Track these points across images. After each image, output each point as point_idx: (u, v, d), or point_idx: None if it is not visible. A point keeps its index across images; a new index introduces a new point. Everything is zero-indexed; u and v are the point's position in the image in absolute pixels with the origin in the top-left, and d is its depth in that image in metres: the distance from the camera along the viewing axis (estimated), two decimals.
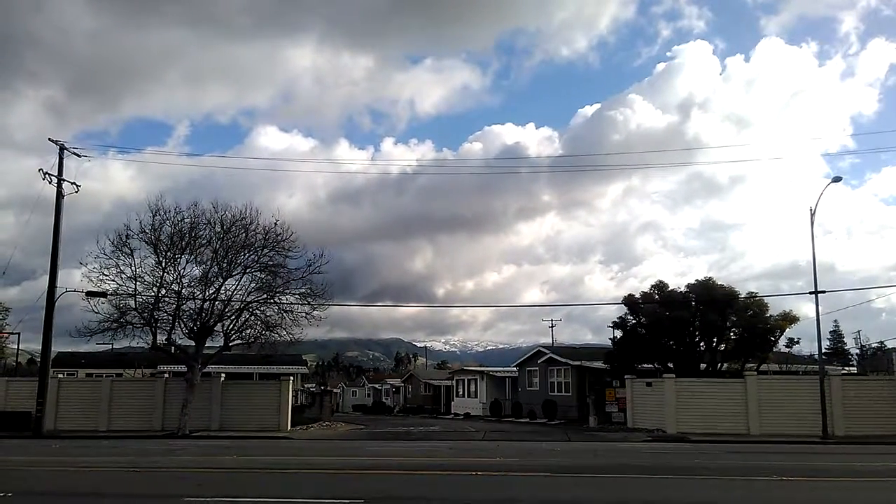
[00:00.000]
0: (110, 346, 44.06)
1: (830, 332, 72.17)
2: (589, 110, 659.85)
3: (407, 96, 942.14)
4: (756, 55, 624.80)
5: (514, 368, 52.23)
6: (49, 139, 31.39)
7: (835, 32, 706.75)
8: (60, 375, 36.51)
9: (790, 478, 14.75)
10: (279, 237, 31.69)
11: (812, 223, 30.20)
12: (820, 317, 29.92)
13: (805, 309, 71.32)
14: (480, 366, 75.65)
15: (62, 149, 31.18)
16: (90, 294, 29.93)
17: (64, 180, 31.05)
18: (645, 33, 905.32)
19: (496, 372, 55.87)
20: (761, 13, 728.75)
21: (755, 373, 33.04)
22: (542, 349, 48.70)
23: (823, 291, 30.40)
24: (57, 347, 36.80)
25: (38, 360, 34.92)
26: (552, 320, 72.49)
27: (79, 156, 31.91)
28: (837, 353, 69.14)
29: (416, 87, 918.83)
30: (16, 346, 56.88)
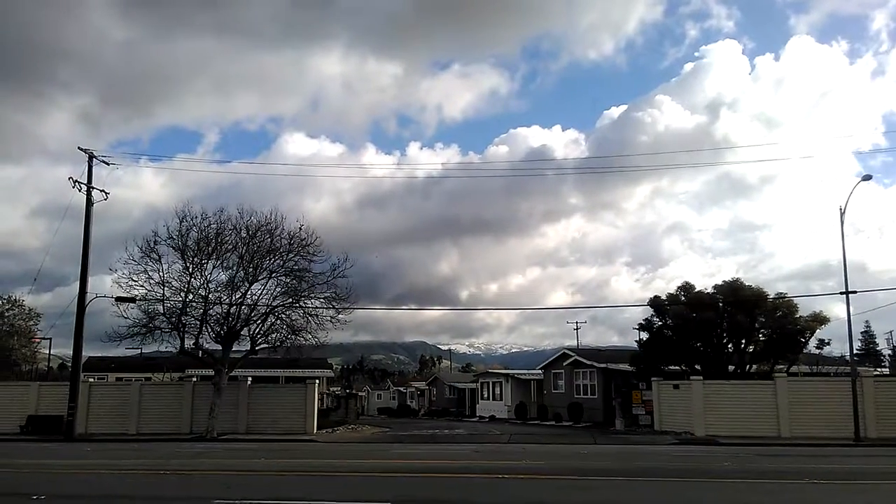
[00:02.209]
0: (139, 351, 44.72)
1: (862, 333, 70.89)
2: (615, 112, 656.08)
3: (434, 102, 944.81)
4: (786, 54, 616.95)
5: (540, 371, 52.01)
6: (78, 148, 32.01)
7: (865, 30, 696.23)
8: (91, 380, 37.09)
9: (822, 481, 14.51)
10: (304, 242, 31.90)
11: (842, 222, 29.74)
12: (851, 317, 29.45)
13: (836, 309, 70.32)
14: (505, 368, 75.43)
15: (91, 157, 31.74)
16: (119, 299, 30.37)
17: (93, 188, 31.59)
18: (672, 34, 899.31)
19: (521, 374, 55.68)
20: (791, 12, 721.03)
21: (785, 374, 32.58)
22: (567, 352, 48.45)
23: (854, 291, 29.93)
24: (87, 352, 37.34)
25: (70, 364, 35.44)
26: (577, 323, 72.50)
27: (107, 164, 32.49)
28: (869, 354, 67.88)
29: (443, 92, 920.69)
30: (47, 351, 57.91)
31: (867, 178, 30.49)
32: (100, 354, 54.74)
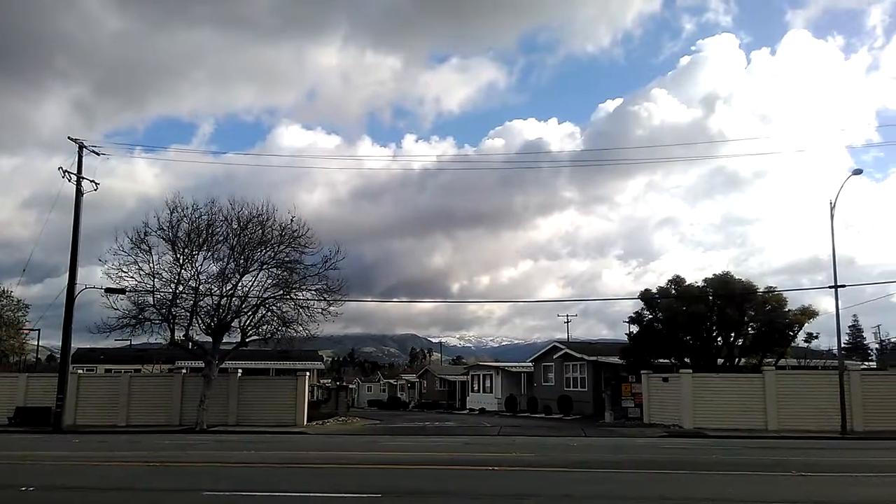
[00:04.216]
0: (129, 343, 44.55)
1: (850, 327, 71.60)
2: (611, 105, 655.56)
3: (432, 95, 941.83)
4: (782, 49, 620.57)
5: (530, 364, 52.20)
6: (68, 137, 31.71)
7: (861, 26, 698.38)
8: (80, 371, 36.94)
9: (809, 473, 14.63)
10: (295, 233, 31.84)
11: (832, 216, 29.91)
12: (839, 311, 29.67)
13: (824, 303, 70.85)
14: (495, 361, 75.61)
15: (81, 147, 31.49)
16: (109, 291, 30.24)
17: (83, 178, 31.36)
18: (670, 27, 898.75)
19: (511, 367, 55.86)
20: (787, 6, 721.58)
21: (773, 368, 32.80)
22: (557, 344, 48.63)
23: (843, 286, 30.08)
24: (76, 344, 37.14)
25: (58, 356, 35.29)
26: (568, 316, 72.47)
27: (97, 154, 32.21)
28: (857, 347, 68.43)
29: (441, 85, 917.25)
30: (36, 343, 57.61)
31: (858, 172, 30.56)
32: (89, 346, 54.49)
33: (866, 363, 53.83)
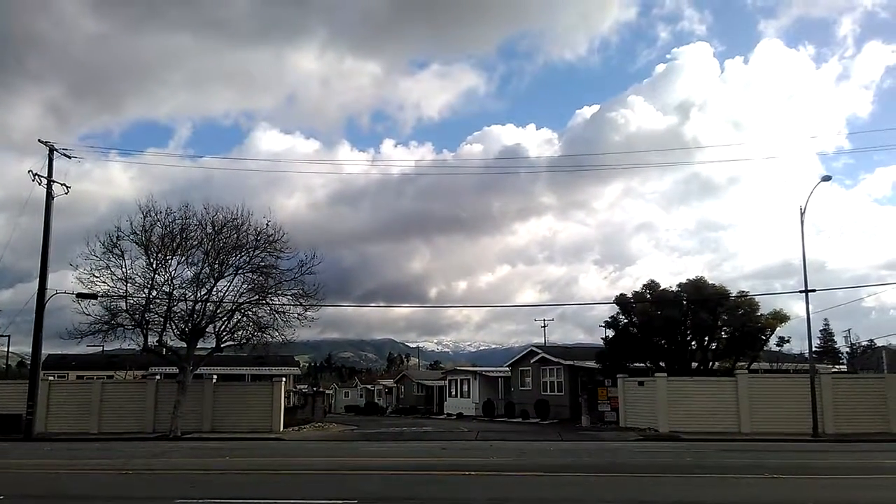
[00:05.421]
0: (101, 349, 43.87)
1: (821, 331, 72.61)
2: (588, 111, 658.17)
3: (413, 101, 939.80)
4: (754, 57, 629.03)
5: (507, 368, 52.27)
6: (38, 140, 31.20)
7: (832, 35, 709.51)
8: (51, 378, 36.33)
9: (782, 475, 14.84)
10: (271, 238, 31.61)
11: (802, 222, 30.33)
12: (810, 315, 30.10)
13: (796, 308, 72.00)
14: (473, 366, 75.72)
15: (51, 150, 31.00)
16: (80, 296, 29.76)
17: (53, 181, 30.89)
18: (646, 36, 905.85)
19: (489, 372, 55.89)
20: (760, 16, 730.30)
21: (746, 371, 33.19)
22: (534, 349, 48.80)
23: (814, 290, 30.57)
24: (47, 350, 36.65)
25: (29, 362, 34.69)
26: (545, 320, 72.67)
27: (68, 157, 31.75)
28: (827, 351, 69.42)
29: (421, 91, 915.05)
30: (6, 349, 56.60)
31: (827, 178, 31.12)
32: (60, 352, 53.69)
33: (837, 367, 54.62)
